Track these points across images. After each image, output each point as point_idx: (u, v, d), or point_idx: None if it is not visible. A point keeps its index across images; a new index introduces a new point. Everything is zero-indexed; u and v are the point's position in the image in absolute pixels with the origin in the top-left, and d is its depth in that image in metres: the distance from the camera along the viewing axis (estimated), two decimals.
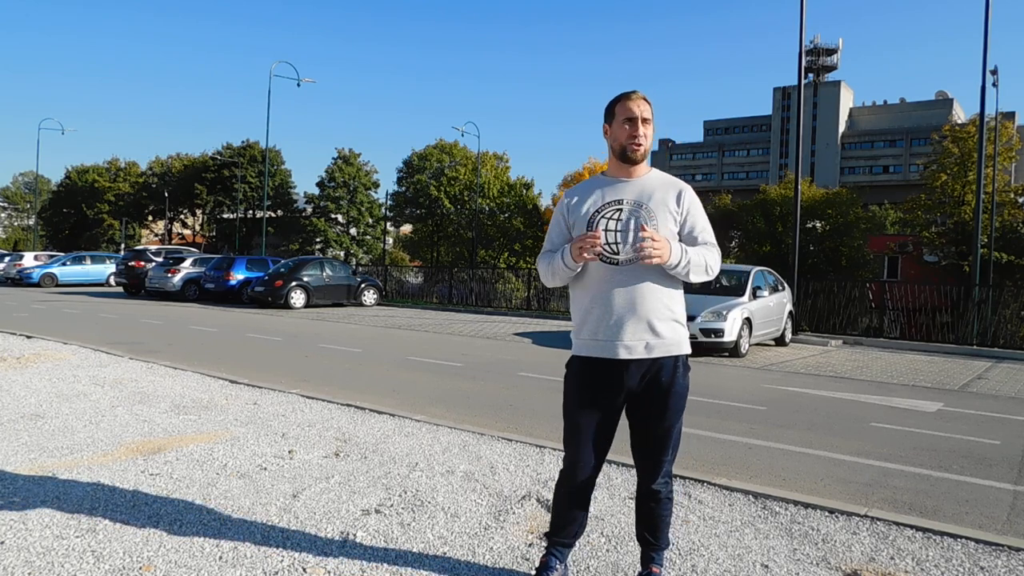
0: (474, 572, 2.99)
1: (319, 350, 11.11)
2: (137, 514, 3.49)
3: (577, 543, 3.27)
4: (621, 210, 2.60)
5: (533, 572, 2.90)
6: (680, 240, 2.65)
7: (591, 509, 3.73)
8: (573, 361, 2.71)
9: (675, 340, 2.64)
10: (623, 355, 2.58)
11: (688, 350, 2.71)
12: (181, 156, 70.20)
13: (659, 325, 2.59)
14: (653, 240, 2.50)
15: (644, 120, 2.61)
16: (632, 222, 2.57)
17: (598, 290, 2.61)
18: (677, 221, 2.64)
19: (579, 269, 2.62)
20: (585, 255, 2.53)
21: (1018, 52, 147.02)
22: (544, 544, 2.91)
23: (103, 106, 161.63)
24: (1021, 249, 35.29)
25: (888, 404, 7.81)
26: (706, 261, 2.62)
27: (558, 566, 2.79)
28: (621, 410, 2.68)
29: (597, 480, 2.80)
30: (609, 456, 2.86)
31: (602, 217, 2.61)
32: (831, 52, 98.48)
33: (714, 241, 2.68)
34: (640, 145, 2.62)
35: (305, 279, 20.65)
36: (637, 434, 2.71)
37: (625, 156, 2.64)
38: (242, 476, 4.18)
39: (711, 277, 2.68)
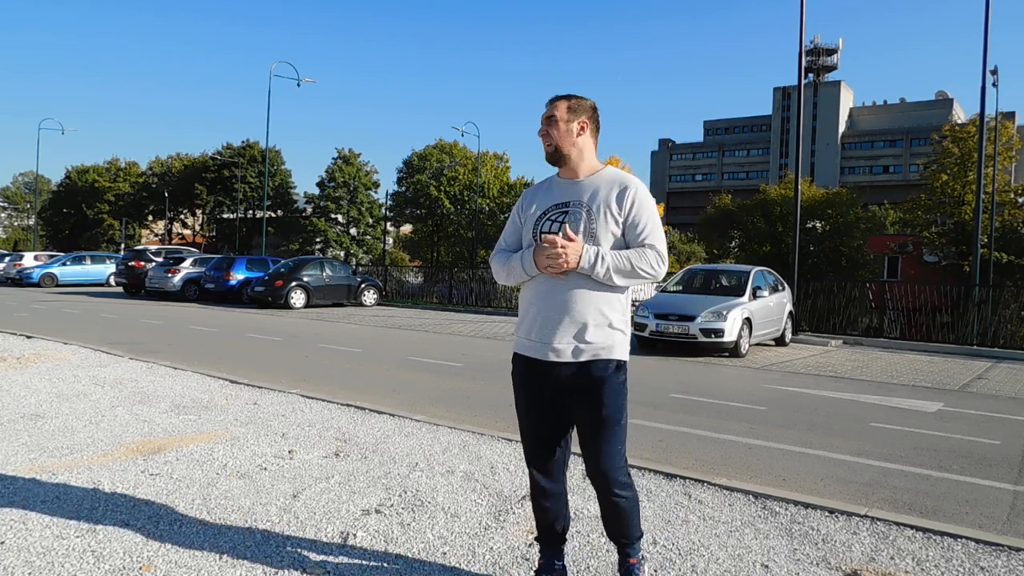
0: (474, 572, 2.99)
1: (319, 350, 11.11)
2: (137, 514, 3.49)
3: (577, 543, 3.28)
4: (566, 212, 2.59)
5: (532, 574, 2.91)
6: (624, 239, 2.57)
7: (590, 509, 3.74)
8: (513, 357, 2.73)
9: (606, 346, 2.55)
10: (551, 357, 2.56)
11: (622, 357, 2.60)
12: (181, 156, 70.19)
13: (591, 330, 2.53)
14: (555, 247, 2.46)
15: (547, 119, 2.66)
16: (573, 225, 2.56)
17: (536, 290, 2.61)
18: (619, 222, 2.56)
19: (532, 276, 2.60)
20: (549, 271, 2.52)
21: (1018, 52, 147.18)
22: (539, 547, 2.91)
23: (103, 106, 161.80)
24: (1021, 249, 35.27)
25: (888, 404, 7.81)
26: (633, 264, 2.50)
27: (556, 565, 2.78)
28: (562, 409, 2.63)
29: (567, 478, 2.78)
30: None
31: (546, 220, 2.62)
32: (831, 52, 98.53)
33: (656, 242, 2.54)
34: (547, 145, 2.65)
35: (305, 279, 20.65)
36: (580, 437, 2.66)
37: (546, 157, 2.69)
38: (242, 476, 4.18)
39: (648, 279, 2.56)
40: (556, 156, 2.66)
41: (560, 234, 2.52)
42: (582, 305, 2.53)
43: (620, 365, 2.60)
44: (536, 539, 2.86)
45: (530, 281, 2.63)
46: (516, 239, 2.73)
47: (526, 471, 4.40)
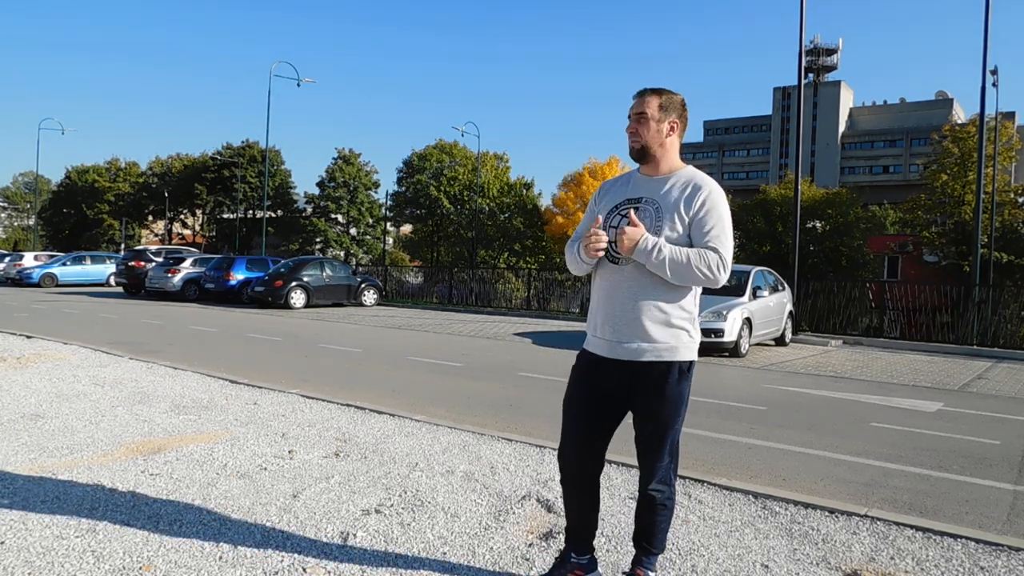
0: (474, 572, 2.99)
1: (319, 350, 11.11)
2: (137, 514, 3.49)
3: None
4: (637, 208, 2.59)
5: (532, 573, 2.90)
6: (690, 241, 2.53)
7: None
8: (580, 353, 2.76)
9: (669, 346, 2.54)
10: (612, 355, 2.58)
11: (687, 357, 2.59)
12: (181, 156, 70.21)
13: (653, 329, 2.52)
14: (624, 231, 2.47)
15: (637, 115, 2.60)
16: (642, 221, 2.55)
17: (601, 288, 2.64)
18: (686, 222, 2.52)
19: (593, 263, 2.63)
20: (590, 253, 2.55)
21: (1018, 52, 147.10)
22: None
23: (103, 106, 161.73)
24: (1021, 249, 35.28)
25: (888, 404, 7.80)
26: (691, 261, 2.44)
27: (571, 557, 2.76)
28: (614, 409, 2.66)
29: (599, 481, 2.78)
30: (609, 456, 2.85)
31: (617, 214, 2.62)
32: (831, 52, 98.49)
33: (720, 246, 2.48)
34: (633, 141, 2.62)
35: (305, 279, 20.65)
36: (636, 435, 2.70)
37: (629, 153, 2.67)
38: (242, 476, 4.18)
39: (706, 283, 2.49)
40: (643, 154, 2.63)
41: (625, 223, 2.54)
42: (646, 304, 2.53)
43: (683, 370, 2.58)
44: (566, 528, 2.86)
45: (597, 279, 2.67)
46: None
47: (526, 471, 4.42)
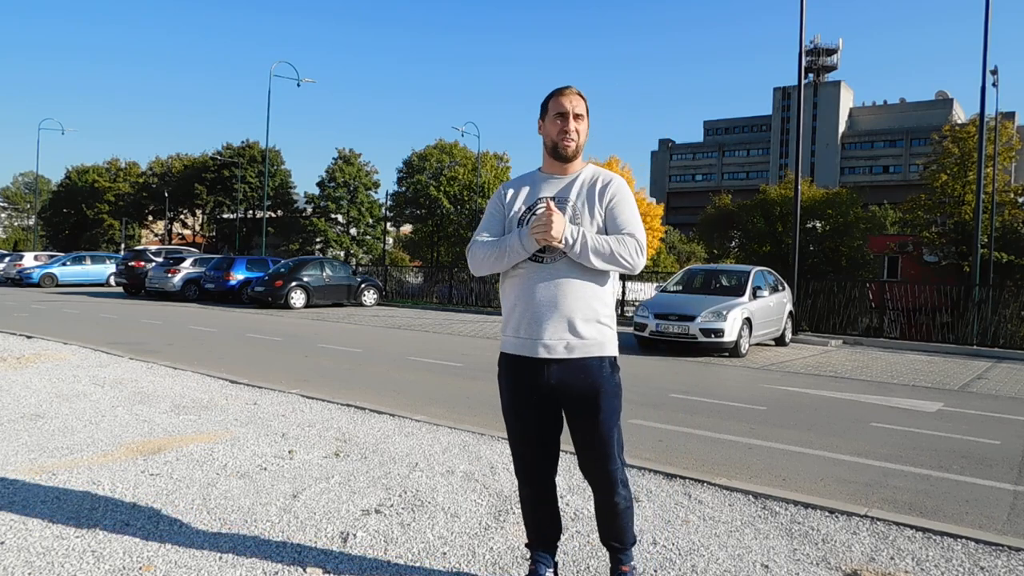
0: (474, 572, 2.99)
1: (319, 350, 11.11)
2: (137, 514, 3.49)
3: (577, 543, 3.28)
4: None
5: None
6: (606, 231, 2.55)
7: (590, 509, 3.73)
8: (500, 358, 2.67)
9: (598, 341, 2.53)
10: (542, 354, 2.51)
11: (614, 352, 2.59)
12: (181, 156, 70.15)
13: (581, 325, 2.50)
14: (550, 213, 2.43)
15: (576, 116, 2.58)
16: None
17: (522, 286, 2.56)
18: (602, 215, 2.56)
19: (521, 259, 2.53)
20: (544, 239, 2.44)
21: (1018, 52, 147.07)
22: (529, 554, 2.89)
23: (103, 106, 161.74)
24: (1021, 249, 35.27)
25: (888, 404, 7.80)
26: (612, 248, 2.47)
27: (547, 573, 2.74)
28: (554, 410, 2.61)
29: (556, 481, 2.77)
30: None
31: (532, 214, 2.57)
32: (831, 52, 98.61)
33: (635, 231, 2.53)
34: (571, 141, 2.59)
35: (305, 279, 20.65)
36: (575, 440, 2.63)
37: (556, 152, 2.61)
38: (242, 476, 4.18)
39: (626, 267, 2.51)
40: (575, 153, 2.61)
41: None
42: (573, 300, 2.50)
43: (613, 363, 2.59)
44: (527, 545, 2.83)
45: (514, 278, 2.58)
46: (499, 229, 2.66)
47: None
